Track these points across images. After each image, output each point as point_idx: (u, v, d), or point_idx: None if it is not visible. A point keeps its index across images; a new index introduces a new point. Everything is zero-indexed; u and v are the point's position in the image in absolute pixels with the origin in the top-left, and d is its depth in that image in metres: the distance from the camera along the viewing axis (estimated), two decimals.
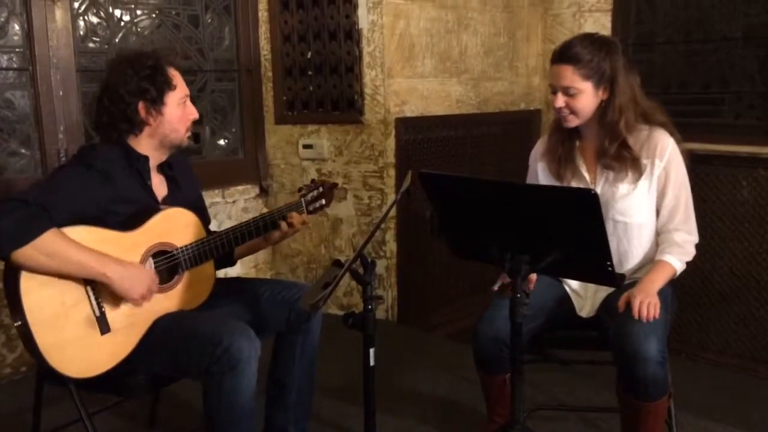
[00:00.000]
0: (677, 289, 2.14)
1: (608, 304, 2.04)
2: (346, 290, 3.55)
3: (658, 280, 1.95)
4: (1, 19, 2.83)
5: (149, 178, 1.96)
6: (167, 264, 1.91)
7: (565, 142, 2.13)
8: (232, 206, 3.51)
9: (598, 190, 2.04)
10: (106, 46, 3.12)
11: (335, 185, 2.29)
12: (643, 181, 2.03)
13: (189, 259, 1.94)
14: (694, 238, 2.05)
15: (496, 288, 2.08)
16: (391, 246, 3.43)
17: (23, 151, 2.95)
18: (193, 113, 2.01)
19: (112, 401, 2.19)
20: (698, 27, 3.36)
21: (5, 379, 2.86)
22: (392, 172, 3.35)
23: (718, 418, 2.48)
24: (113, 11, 3.14)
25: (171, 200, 2.00)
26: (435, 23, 3.47)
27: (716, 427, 2.44)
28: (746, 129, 3.21)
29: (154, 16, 3.28)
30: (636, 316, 1.84)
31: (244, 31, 3.52)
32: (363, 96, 3.33)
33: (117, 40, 3.16)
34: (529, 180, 2.27)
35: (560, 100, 2.02)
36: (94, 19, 3.10)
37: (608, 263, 1.66)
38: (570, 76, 1.98)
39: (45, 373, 1.88)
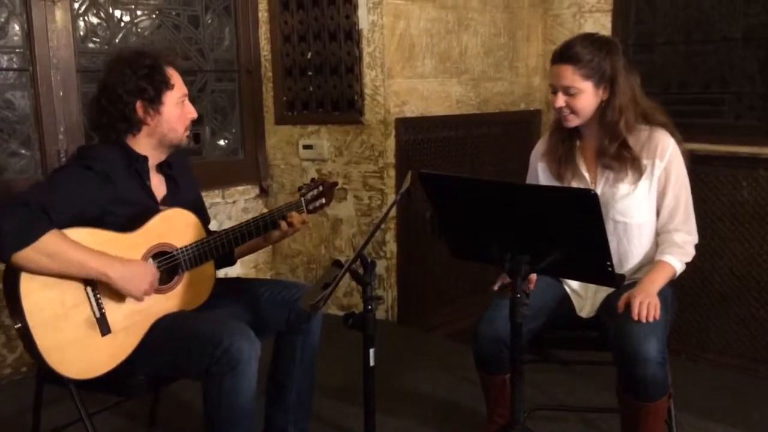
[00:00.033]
0: (677, 289, 2.14)
1: (608, 304, 2.04)
2: (346, 290, 3.55)
3: (658, 280, 1.95)
4: (1, 20, 2.83)
5: (148, 179, 1.96)
6: (167, 265, 1.91)
7: (566, 142, 2.13)
8: (232, 207, 3.51)
9: (599, 191, 2.04)
10: (107, 47, 3.12)
11: (335, 184, 2.29)
12: (644, 182, 2.03)
13: (189, 260, 1.94)
14: (694, 238, 2.06)
15: (496, 288, 2.08)
16: (391, 246, 3.43)
17: (23, 151, 2.95)
18: (192, 113, 2.01)
19: (112, 401, 2.19)
20: (698, 27, 3.36)
21: (5, 380, 2.86)
22: (392, 172, 3.35)
23: (718, 419, 2.48)
24: (113, 12, 3.14)
25: (170, 200, 2.00)
26: (435, 23, 3.47)
27: (716, 427, 2.44)
28: (746, 129, 3.21)
29: (154, 16, 3.28)
30: (636, 317, 1.84)
31: (244, 31, 3.52)
32: (363, 96, 3.33)
33: (117, 41, 3.16)
34: (529, 180, 2.27)
35: (560, 100, 2.02)
36: (94, 20, 3.10)
37: (608, 263, 1.66)
38: (570, 75, 1.98)
39: (45, 374, 1.88)
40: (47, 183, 1.85)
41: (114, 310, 1.82)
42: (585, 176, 2.11)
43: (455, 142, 3.63)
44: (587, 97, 2.00)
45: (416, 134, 3.42)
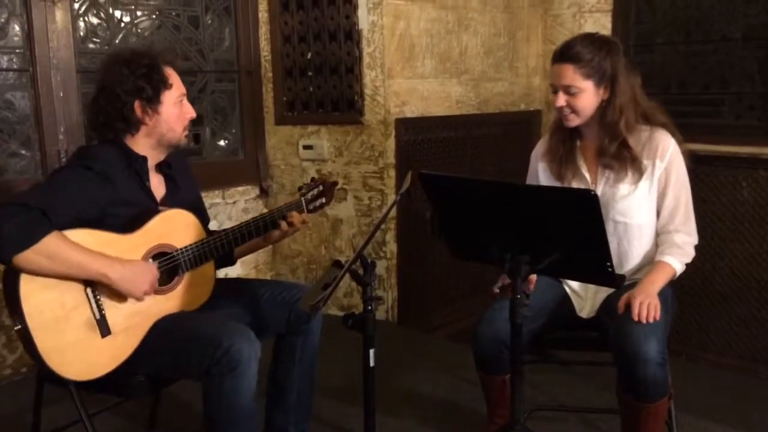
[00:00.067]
0: (677, 289, 2.14)
1: (608, 304, 2.04)
2: (346, 291, 3.55)
3: (658, 281, 1.95)
4: (1, 20, 2.83)
5: (148, 179, 1.96)
6: (167, 265, 1.91)
7: (566, 142, 2.13)
8: (233, 207, 3.51)
9: (599, 191, 2.04)
10: (107, 47, 3.12)
11: (335, 183, 2.29)
12: (644, 182, 2.03)
13: (189, 260, 1.94)
14: (694, 239, 2.06)
15: (496, 289, 2.08)
16: (391, 247, 3.43)
17: (23, 152, 2.95)
18: (190, 112, 2.00)
19: (112, 402, 2.20)
20: (698, 27, 3.36)
21: (5, 380, 2.86)
22: (392, 172, 3.35)
23: (718, 419, 2.48)
24: (113, 12, 3.14)
25: (169, 200, 2.00)
26: (435, 24, 3.47)
27: (717, 428, 2.44)
28: (746, 130, 3.21)
29: (154, 17, 3.28)
30: (636, 318, 1.84)
31: (244, 32, 3.53)
32: (363, 97, 3.33)
33: (117, 41, 3.16)
34: (530, 180, 2.27)
35: (561, 100, 2.02)
36: (95, 20, 3.10)
37: (608, 264, 1.66)
38: (571, 75, 1.99)
39: (45, 375, 1.88)
40: (47, 184, 1.85)
41: (114, 312, 1.82)
42: (585, 176, 2.11)
43: (455, 143, 3.63)
44: (588, 96, 2.01)
45: (416, 134, 3.42)
